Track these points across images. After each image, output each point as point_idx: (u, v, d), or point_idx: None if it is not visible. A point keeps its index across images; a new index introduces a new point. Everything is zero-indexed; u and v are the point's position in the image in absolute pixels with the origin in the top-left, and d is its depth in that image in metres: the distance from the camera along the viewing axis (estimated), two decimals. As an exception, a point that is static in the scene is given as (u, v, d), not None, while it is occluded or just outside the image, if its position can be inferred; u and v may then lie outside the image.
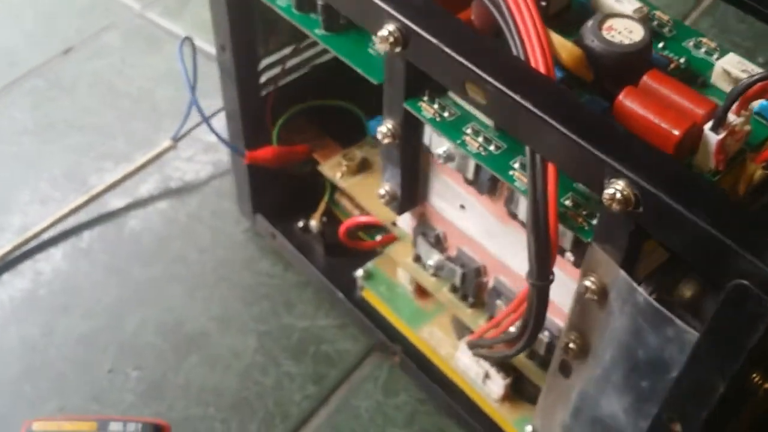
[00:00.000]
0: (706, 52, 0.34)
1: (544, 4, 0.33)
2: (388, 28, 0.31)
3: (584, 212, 0.30)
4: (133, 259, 0.49)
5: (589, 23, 0.31)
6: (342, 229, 0.45)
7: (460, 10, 0.32)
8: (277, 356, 0.45)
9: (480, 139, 0.32)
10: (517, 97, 0.27)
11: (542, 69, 0.29)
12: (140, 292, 0.48)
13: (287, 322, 0.46)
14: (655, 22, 0.35)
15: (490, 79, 0.28)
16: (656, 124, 0.28)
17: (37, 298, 0.47)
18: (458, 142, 0.32)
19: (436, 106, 0.33)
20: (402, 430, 0.42)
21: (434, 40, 0.29)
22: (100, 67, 0.60)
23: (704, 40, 0.34)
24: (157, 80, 0.60)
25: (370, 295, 0.45)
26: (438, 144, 0.35)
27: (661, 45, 0.34)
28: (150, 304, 0.47)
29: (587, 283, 0.29)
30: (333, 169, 0.45)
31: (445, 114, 0.33)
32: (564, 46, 0.31)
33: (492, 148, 0.32)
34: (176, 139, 0.53)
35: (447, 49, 0.29)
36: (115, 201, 0.52)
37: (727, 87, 0.32)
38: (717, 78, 0.32)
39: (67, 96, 0.58)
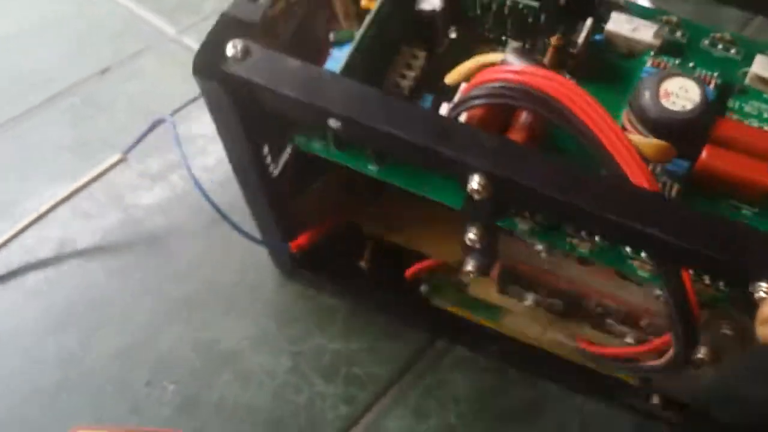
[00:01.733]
0: (724, 48, 0.35)
1: (572, 51, 0.35)
2: (475, 181, 0.29)
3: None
4: (167, 278, 0.51)
5: (646, 95, 0.31)
6: (411, 271, 0.45)
7: (500, 127, 0.32)
8: (310, 376, 0.46)
9: (587, 237, 0.32)
10: (648, 230, 0.27)
11: (645, 183, 0.28)
12: (174, 310, 0.49)
13: (319, 343, 0.48)
14: (668, 29, 0.36)
15: (610, 216, 0.27)
16: (749, 178, 0.29)
17: (74, 312, 0.48)
18: (567, 248, 0.32)
19: (528, 215, 0.33)
20: (432, 452, 0.43)
21: (529, 184, 0.28)
22: (136, 89, 0.62)
23: (719, 35, 0.35)
24: (190, 104, 0.61)
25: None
26: (537, 243, 0.35)
27: (691, 65, 0.35)
28: (184, 322, 0.49)
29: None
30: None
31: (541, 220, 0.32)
32: (648, 145, 0.31)
33: (600, 242, 0.32)
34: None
35: (545, 192, 0.28)
36: (151, 220, 0.54)
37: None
38: (753, 82, 0.33)
39: (103, 115, 0.60)
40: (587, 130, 0.29)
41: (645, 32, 0.35)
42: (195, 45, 0.66)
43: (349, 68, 0.34)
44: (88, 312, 0.48)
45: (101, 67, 0.63)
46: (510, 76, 0.30)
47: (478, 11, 0.37)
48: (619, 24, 0.36)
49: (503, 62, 0.33)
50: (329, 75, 0.33)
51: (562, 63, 0.35)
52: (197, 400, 0.45)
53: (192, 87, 0.62)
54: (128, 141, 0.58)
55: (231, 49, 0.32)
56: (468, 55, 0.35)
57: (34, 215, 0.51)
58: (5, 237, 0.50)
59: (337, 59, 0.35)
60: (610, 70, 0.36)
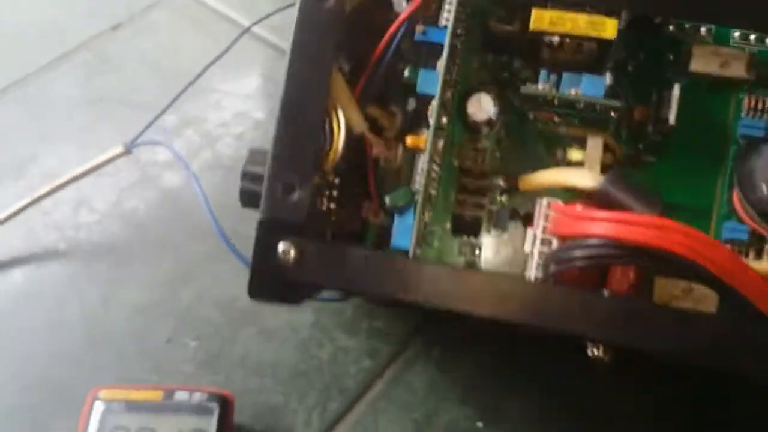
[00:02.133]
0: None
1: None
2: (595, 349, 0.29)
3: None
4: (186, 234, 0.50)
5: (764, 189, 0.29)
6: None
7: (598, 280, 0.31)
8: (332, 331, 0.46)
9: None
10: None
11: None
12: (194, 267, 0.49)
13: (340, 299, 0.47)
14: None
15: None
16: None
17: (94, 271, 0.48)
18: None
19: None
20: (457, 405, 0.43)
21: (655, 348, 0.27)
22: (148, 45, 0.61)
23: None
24: (204, 60, 0.60)
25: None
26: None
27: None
28: (204, 278, 0.48)
29: None
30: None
31: None
32: None
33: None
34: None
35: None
36: (169, 176, 0.53)
37: None
38: None
39: (116, 72, 0.59)
40: (718, 282, 0.27)
41: (736, 66, 0.32)
42: (207, -1, 0.66)
43: (419, 244, 0.32)
44: (108, 271, 0.48)
45: (113, 22, 0.62)
46: (621, 233, 0.27)
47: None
48: (704, 60, 0.32)
49: (599, 193, 0.30)
50: (403, 262, 0.31)
51: (641, 137, 0.33)
52: (220, 356, 0.45)
53: (203, 40, 0.61)
54: (143, 99, 0.57)
55: (283, 255, 0.30)
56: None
57: (49, 187, 0.50)
58: (24, 201, 0.50)
59: (403, 231, 0.33)
60: (699, 126, 0.33)
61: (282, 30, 0.61)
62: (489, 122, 0.34)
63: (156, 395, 0.40)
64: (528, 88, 0.33)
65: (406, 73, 0.36)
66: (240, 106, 0.57)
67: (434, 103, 0.33)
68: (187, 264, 0.49)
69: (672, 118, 0.32)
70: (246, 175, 0.35)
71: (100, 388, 0.40)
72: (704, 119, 0.33)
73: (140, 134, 0.47)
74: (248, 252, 0.34)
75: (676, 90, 0.32)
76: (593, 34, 0.31)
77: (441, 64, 0.34)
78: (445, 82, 0.33)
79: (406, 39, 0.35)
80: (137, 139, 0.47)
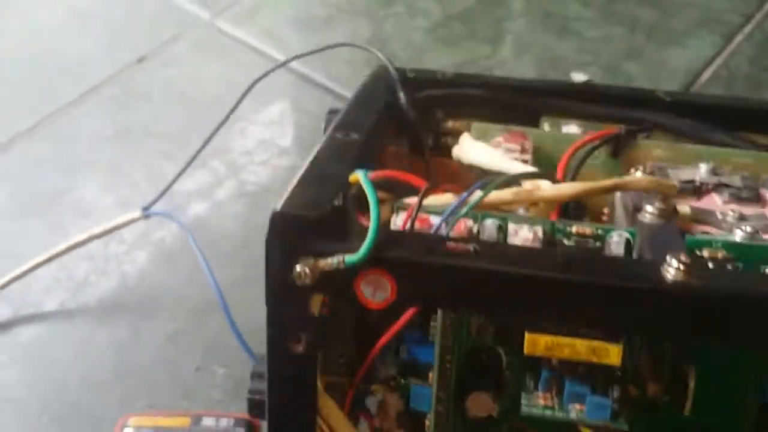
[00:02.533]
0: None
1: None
2: None
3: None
4: (215, 261, 0.50)
5: None
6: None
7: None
8: (359, 355, 0.46)
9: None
10: None
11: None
12: (224, 295, 0.49)
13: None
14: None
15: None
16: None
17: (124, 301, 0.49)
18: None
19: None
20: None
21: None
22: (173, 76, 0.62)
23: None
24: (228, 87, 0.61)
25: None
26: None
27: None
28: (231, 306, 0.49)
29: None
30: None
31: None
32: None
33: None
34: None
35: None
36: (195, 206, 0.54)
37: None
38: None
39: (142, 104, 0.60)
40: None
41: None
42: (230, 29, 0.67)
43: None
44: (136, 301, 0.49)
45: (138, 54, 0.63)
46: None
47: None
48: None
49: None
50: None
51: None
52: (247, 384, 0.45)
53: (227, 69, 0.62)
54: (169, 129, 0.58)
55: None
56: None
57: (66, 245, 0.49)
58: (54, 235, 0.51)
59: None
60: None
61: (307, 58, 0.62)
62: (490, 417, 0.31)
63: (184, 422, 0.40)
64: (529, 409, 0.29)
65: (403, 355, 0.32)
66: (264, 133, 0.58)
67: (430, 418, 0.31)
68: (214, 291, 0.49)
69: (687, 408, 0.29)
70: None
71: (130, 416, 0.40)
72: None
73: (158, 198, 0.46)
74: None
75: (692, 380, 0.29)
76: (595, 360, 0.27)
77: (433, 379, 0.30)
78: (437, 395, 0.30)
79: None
80: (155, 203, 0.46)
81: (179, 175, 0.43)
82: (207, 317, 0.48)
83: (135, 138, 0.58)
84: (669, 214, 0.29)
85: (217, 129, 0.43)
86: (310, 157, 0.30)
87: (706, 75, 0.61)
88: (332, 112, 0.36)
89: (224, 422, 0.40)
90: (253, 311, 0.48)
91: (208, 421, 0.40)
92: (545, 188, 0.29)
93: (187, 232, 0.42)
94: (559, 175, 0.32)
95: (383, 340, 0.29)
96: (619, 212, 0.31)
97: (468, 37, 0.65)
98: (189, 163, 0.43)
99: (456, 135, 0.36)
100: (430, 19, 0.66)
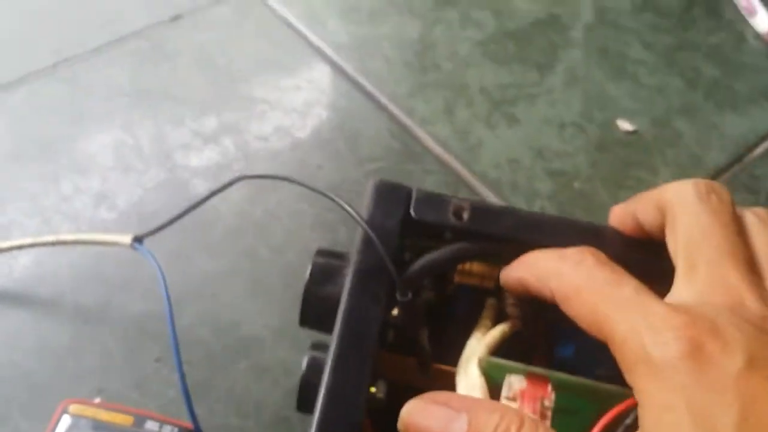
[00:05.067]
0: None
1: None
2: None
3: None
4: (201, 248, 0.48)
5: None
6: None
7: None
8: (328, 380, 0.43)
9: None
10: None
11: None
12: (202, 284, 0.46)
13: (344, 345, 0.44)
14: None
15: None
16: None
17: (99, 272, 0.46)
18: None
19: None
20: None
21: None
22: (205, 41, 0.59)
23: None
24: (257, 64, 0.58)
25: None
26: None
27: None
28: (210, 298, 0.46)
29: None
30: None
31: None
32: None
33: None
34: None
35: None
36: (197, 182, 0.51)
37: None
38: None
39: (167, 64, 0.57)
40: None
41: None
42: (275, 3, 0.64)
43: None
44: (112, 273, 0.46)
45: (174, 13, 0.60)
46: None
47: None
48: None
49: None
50: None
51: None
52: (206, 386, 0.43)
53: (262, 44, 0.59)
54: (189, 95, 0.56)
55: None
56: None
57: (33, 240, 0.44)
58: (44, 184, 0.48)
59: None
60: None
61: (345, 48, 0.59)
62: None
63: (126, 420, 0.38)
64: None
65: None
66: (284, 120, 0.55)
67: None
68: (195, 281, 0.47)
69: None
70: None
71: (72, 401, 0.38)
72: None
73: (155, 230, 0.42)
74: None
75: None
76: None
77: None
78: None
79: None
80: (147, 236, 0.42)
81: (177, 217, 0.40)
82: (182, 306, 0.45)
83: (152, 98, 0.55)
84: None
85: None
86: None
87: (760, 149, 0.57)
88: (320, 254, 0.32)
89: (168, 429, 0.38)
90: (231, 306, 0.46)
91: (151, 425, 0.38)
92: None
93: (158, 273, 0.38)
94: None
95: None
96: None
97: (518, 59, 0.61)
98: (192, 207, 0.39)
99: (474, 276, 0.32)
100: (484, 31, 0.63)
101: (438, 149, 0.55)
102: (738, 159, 0.56)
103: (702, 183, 0.28)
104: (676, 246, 0.27)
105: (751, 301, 0.24)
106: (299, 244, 0.48)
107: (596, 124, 0.57)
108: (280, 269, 0.47)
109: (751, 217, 0.28)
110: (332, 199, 0.30)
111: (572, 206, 0.52)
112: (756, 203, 0.54)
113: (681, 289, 0.26)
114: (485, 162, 0.54)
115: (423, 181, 0.53)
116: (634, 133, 0.57)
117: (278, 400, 0.42)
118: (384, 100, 0.57)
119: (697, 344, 0.22)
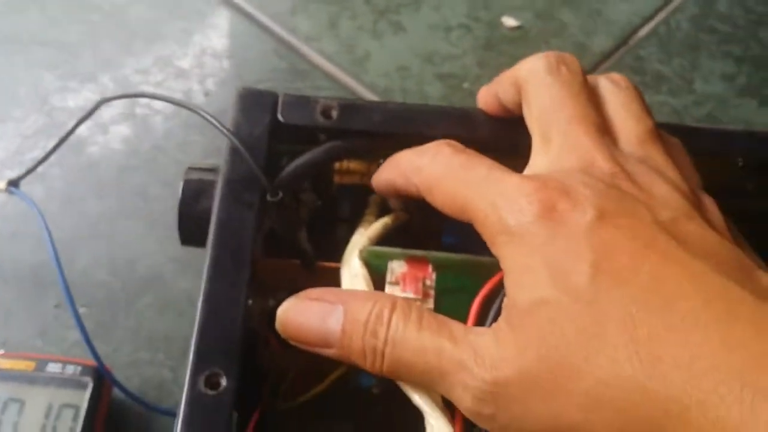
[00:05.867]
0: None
1: None
2: None
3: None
4: (90, 190, 0.47)
5: None
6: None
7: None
8: (234, 304, 0.43)
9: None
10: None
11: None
12: (95, 226, 0.45)
13: (247, 268, 0.44)
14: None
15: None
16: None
17: (-11, 222, 0.45)
18: None
19: None
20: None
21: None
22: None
23: None
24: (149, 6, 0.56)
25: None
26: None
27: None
28: (105, 239, 0.45)
29: None
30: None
31: None
32: None
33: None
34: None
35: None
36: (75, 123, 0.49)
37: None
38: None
39: (35, 6, 0.55)
40: None
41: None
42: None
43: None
44: (3, 223, 0.45)
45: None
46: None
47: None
48: None
49: None
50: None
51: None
52: (111, 326, 0.42)
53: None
54: (59, 36, 0.53)
55: None
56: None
57: None
58: None
59: None
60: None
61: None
62: None
63: (27, 365, 0.37)
64: None
65: None
66: (163, 51, 0.53)
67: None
68: (87, 223, 0.45)
69: None
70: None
71: (-31, 355, 0.37)
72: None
73: (28, 172, 0.40)
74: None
75: None
76: None
77: None
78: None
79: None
80: (24, 178, 0.40)
81: (49, 153, 0.38)
82: (77, 250, 0.44)
83: (22, 44, 0.53)
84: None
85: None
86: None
87: (644, 31, 0.58)
88: (192, 170, 0.32)
89: (71, 369, 0.37)
90: (127, 246, 0.45)
91: (53, 367, 0.37)
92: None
93: (39, 216, 0.37)
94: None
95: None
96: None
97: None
98: (61, 141, 0.38)
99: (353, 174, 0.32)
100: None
101: (326, 65, 0.54)
102: (623, 42, 0.57)
103: (552, 55, 0.28)
104: (531, 119, 0.27)
105: (601, 161, 0.25)
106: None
107: (482, 23, 0.57)
108: (174, 203, 0.46)
109: (604, 82, 0.29)
110: (194, 111, 0.29)
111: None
112: (642, 84, 0.55)
113: (536, 160, 0.26)
114: (374, 72, 0.54)
115: (313, 97, 0.52)
116: (519, 28, 0.57)
117: (186, 330, 0.41)
118: (266, 20, 0.56)
119: (549, 205, 0.23)
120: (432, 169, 0.27)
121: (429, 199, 0.27)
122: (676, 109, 0.53)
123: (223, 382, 0.25)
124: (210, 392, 0.25)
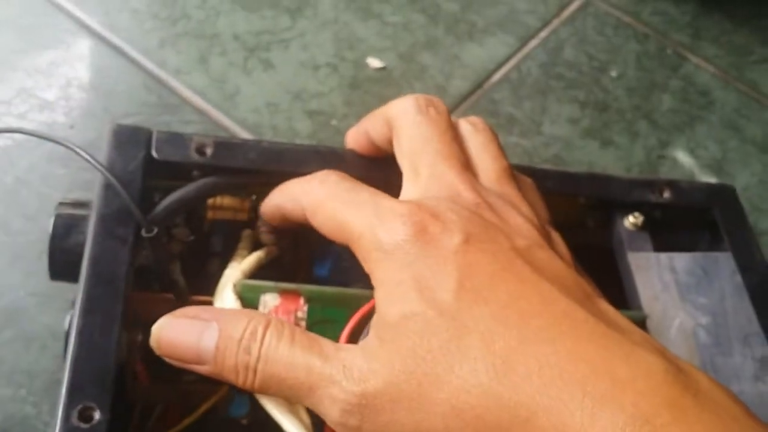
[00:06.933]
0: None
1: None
2: None
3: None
4: (-54, 222, 0.45)
5: None
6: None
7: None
8: (101, 338, 0.43)
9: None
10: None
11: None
12: (-48, 259, 0.44)
13: (115, 302, 0.44)
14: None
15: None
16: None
17: None
18: None
19: None
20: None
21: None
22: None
23: None
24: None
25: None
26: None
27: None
28: (-38, 272, 0.44)
29: None
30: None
31: None
32: None
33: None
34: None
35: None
36: (-68, 155, 0.48)
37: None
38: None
39: None
40: None
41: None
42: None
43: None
44: None
45: None
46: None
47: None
48: None
49: None
50: None
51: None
52: None
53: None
54: None
55: None
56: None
57: None
58: None
59: None
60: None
61: (88, 2, 0.57)
62: None
63: None
64: None
65: None
66: (26, 82, 0.52)
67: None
68: (-58, 256, 0.44)
69: None
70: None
71: None
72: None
73: None
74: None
75: None
76: None
77: None
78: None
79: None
80: None
81: None
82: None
83: None
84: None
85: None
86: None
87: (498, 75, 0.62)
88: (63, 205, 0.32)
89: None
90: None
91: None
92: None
93: None
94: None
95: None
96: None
97: (269, 5, 0.62)
98: None
99: (226, 210, 0.33)
100: (232, -21, 0.62)
101: (195, 99, 0.55)
102: (479, 86, 0.61)
103: (422, 97, 0.31)
104: (402, 154, 0.30)
105: (465, 192, 0.28)
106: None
107: (348, 63, 0.60)
108: (38, 237, 0.46)
109: (464, 124, 0.31)
110: (63, 145, 0.29)
111: (331, 143, 0.54)
112: (496, 125, 0.59)
113: (408, 190, 0.29)
114: (244, 108, 0.55)
115: (182, 131, 0.52)
116: (383, 69, 0.60)
117: (50, 365, 0.41)
118: (134, 53, 0.56)
119: (421, 227, 0.25)
120: (318, 192, 0.29)
121: (312, 221, 0.28)
122: (526, 150, 0.57)
123: (97, 415, 0.26)
124: (83, 425, 0.25)
